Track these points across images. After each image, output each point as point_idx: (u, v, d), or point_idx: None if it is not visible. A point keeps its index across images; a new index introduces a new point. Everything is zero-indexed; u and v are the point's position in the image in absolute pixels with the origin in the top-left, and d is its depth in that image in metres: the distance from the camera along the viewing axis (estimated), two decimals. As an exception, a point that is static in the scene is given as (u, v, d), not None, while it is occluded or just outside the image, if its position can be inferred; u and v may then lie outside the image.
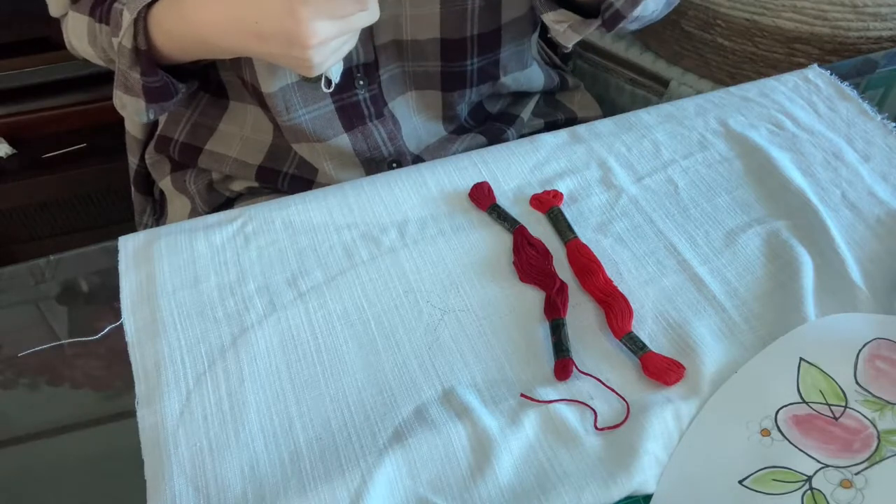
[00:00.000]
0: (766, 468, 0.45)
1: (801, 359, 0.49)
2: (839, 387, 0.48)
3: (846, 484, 0.43)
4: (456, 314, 0.55)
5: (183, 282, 0.57)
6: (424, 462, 0.46)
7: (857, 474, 0.43)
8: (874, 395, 0.47)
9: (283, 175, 0.78)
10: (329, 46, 0.56)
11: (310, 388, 0.51)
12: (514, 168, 0.65)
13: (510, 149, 0.67)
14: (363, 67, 0.74)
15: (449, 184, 0.65)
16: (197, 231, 0.61)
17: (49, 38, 1.23)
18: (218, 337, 0.54)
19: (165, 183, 0.84)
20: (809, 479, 0.44)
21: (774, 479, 0.44)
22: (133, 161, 0.88)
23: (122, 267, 0.59)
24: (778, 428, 0.47)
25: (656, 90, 1.27)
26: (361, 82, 0.75)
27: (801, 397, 0.48)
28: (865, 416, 0.46)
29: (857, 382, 0.48)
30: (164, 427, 0.49)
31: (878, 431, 0.45)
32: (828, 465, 0.44)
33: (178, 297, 0.56)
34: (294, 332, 0.54)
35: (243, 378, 0.51)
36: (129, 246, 0.60)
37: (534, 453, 0.47)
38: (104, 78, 1.25)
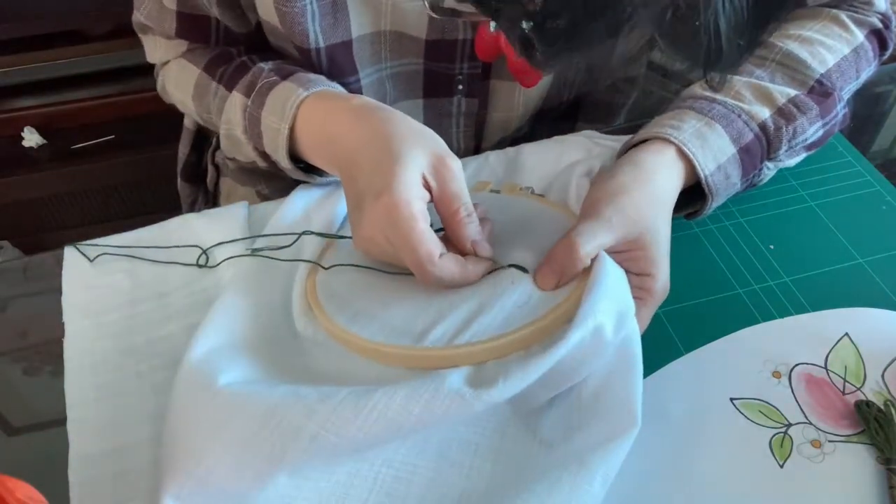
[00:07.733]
0: (760, 400, 0.50)
1: (846, 333, 0.53)
2: (864, 372, 0.51)
3: (816, 444, 0.48)
4: None
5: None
6: None
7: (830, 441, 0.48)
8: (889, 393, 0.50)
9: None
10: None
11: None
12: None
13: None
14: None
15: None
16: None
17: (80, 31, 1.22)
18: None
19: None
20: (789, 426, 0.49)
21: (761, 411, 0.50)
22: (183, 151, 0.87)
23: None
24: (789, 377, 0.51)
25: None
26: None
27: (825, 364, 0.52)
28: (869, 405, 0.50)
29: (883, 378, 0.51)
30: None
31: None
32: (811, 424, 0.49)
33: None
34: None
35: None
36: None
37: None
38: (133, 71, 1.26)
